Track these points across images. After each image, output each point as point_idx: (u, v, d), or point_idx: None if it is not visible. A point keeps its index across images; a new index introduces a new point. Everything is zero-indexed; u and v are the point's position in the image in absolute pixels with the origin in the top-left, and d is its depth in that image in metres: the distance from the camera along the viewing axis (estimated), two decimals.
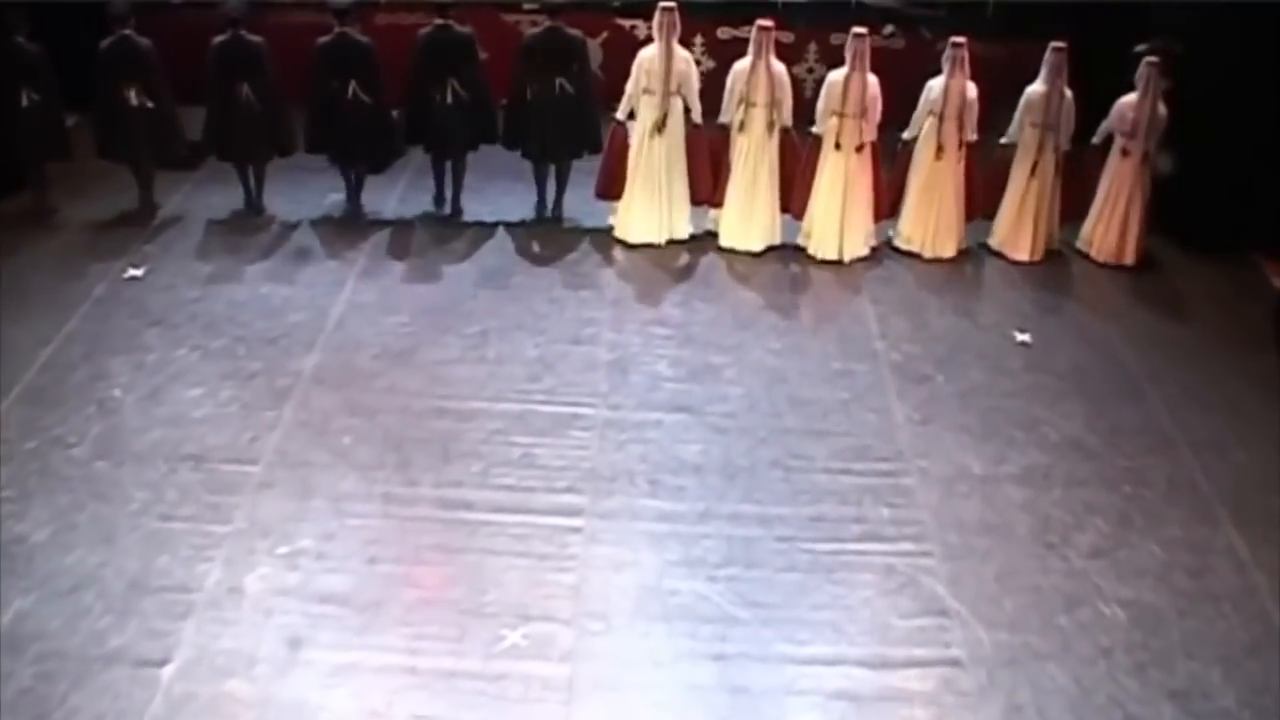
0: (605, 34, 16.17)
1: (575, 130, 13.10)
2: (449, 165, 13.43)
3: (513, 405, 10.32)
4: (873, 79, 12.65)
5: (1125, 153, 12.95)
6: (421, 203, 13.72)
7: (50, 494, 9.29)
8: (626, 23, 16.25)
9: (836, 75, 12.79)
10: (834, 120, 12.68)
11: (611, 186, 13.00)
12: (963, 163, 12.90)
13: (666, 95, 12.60)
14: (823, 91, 12.89)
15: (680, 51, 12.69)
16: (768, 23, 12.75)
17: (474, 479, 9.47)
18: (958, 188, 12.93)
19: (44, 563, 8.61)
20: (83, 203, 13.37)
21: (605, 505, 9.24)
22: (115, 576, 8.50)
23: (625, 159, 12.84)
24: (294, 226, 13.28)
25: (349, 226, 13.28)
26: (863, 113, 12.60)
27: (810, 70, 16.00)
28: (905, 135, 13.00)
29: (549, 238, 13.13)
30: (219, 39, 12.79)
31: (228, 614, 8.20)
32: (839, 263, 12.79)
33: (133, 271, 12.25)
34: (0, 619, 8.04)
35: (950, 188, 12.89)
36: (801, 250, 12.99)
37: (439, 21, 12.84)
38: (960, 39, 12.79)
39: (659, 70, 12.54)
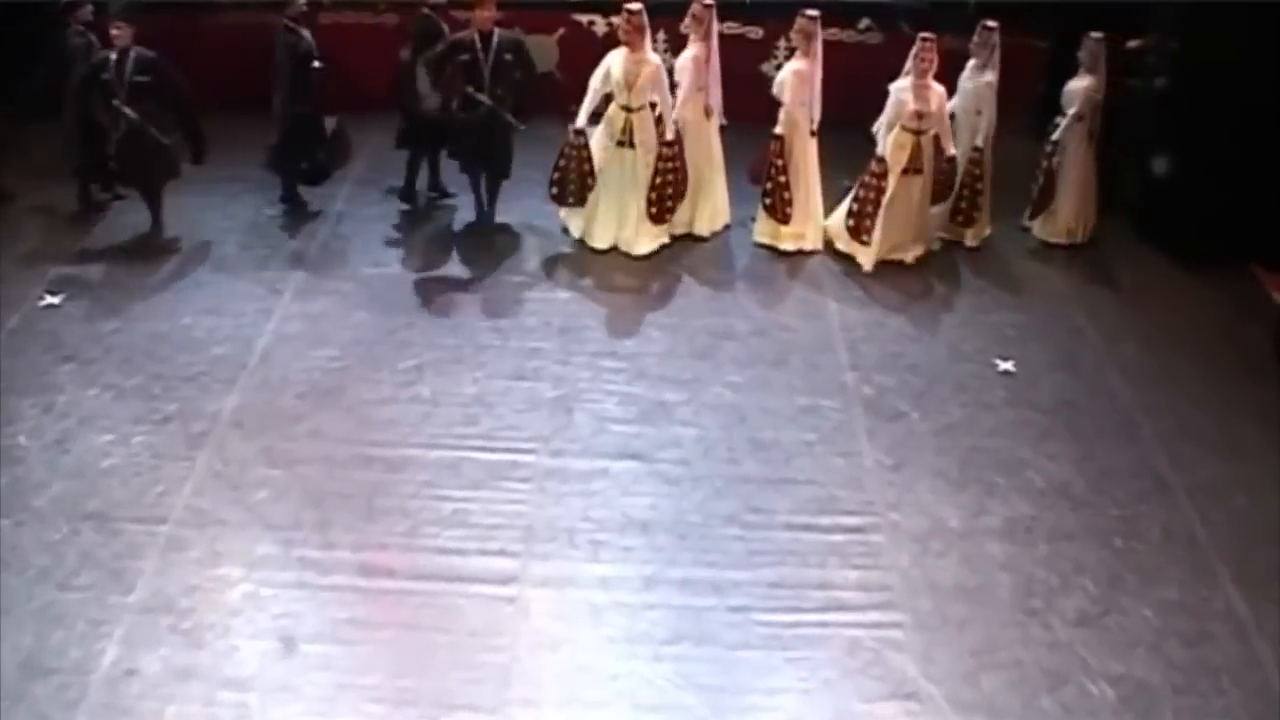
0: (562, 30, 15.30)
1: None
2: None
3: (446, 453, 9.50)
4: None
5: (1091, 135, 12.59)
6: (362, 217, 12.94)
7: None
8: (584, 18, 15.36)
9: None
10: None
11: (565, 194, 12.26)
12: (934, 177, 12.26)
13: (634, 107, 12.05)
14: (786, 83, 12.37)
15: (652, 57, 12.17)
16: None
17: (399, 540, 8.66)
18: (926, 197, 12.31)
19: None
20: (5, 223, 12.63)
21: (541, 570, 8.41)
22: (7, 654, 7.72)
23: (584, 166, 12.07)
24: (224, 246, 12.49)
25: (284, 244, 12.51)
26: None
27: (779, 66, 15.09)
28: (878, 151, 12.15)
29: (497, 252, 12.36)
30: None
31: (123, 700, 7.42)
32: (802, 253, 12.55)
33: (50, 299, 11.45)
34: None
35: (922, 200, 12.23)
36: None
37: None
38: (929, 35, 11.97)
39: (630, 78, 11.91)
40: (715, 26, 12.60)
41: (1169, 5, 13.17)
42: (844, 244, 12.34)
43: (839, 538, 8.70)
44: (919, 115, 11.81)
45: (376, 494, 9.05)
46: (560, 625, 7.98)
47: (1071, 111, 12.46)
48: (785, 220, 12.42)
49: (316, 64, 12.45)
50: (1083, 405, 10.32)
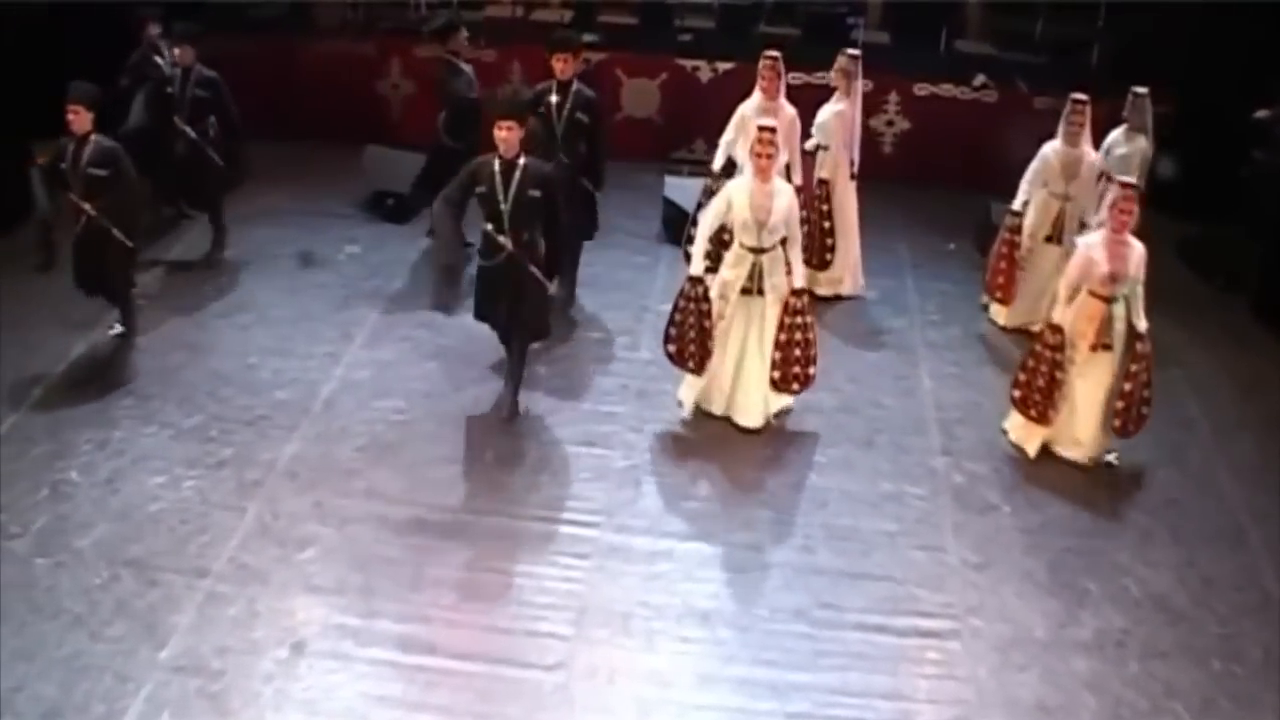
0: (664, 75, 14.93)
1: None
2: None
3: (503, 520, 9.04)
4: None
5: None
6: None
7: None
8: (688, 63, 14.98)
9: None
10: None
11: (685, 354, 10.07)
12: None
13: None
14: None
15: (782, 187, 9.87)
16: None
17: (443, 614, 8.19)
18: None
19: None
20: None
21: (590, 658, 7.89)
22: (28, 704, 7.43)
23: (704, 324, 9.88)
24: (300, 284, 12.23)
25: (361, 285, 12.18)
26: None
27: (890, 123, 14.63)
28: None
29: (577, 307, 11.84)
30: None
31: None
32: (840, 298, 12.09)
33: (118, 328, 11.25)
34: None
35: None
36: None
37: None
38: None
39: (759, 214, 9.62)
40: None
41: None
42: (1014, 430, 10.21)
43: (913, 642, 8.08)
44: (1113, 279, 9.55)
45: (426, 561, 8.61)
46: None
47: (1135, 181, 11.54)
48: (824, 266, 11.94)
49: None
50: (1188, 506, 9.60)
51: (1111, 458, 9.95)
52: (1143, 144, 11.64)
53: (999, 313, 11.80)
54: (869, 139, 14.43)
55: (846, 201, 12.06)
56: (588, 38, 14.83)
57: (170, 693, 7.49)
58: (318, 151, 14.54)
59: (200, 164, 12.17)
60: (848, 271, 12.21)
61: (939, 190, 14.13)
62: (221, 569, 8.49)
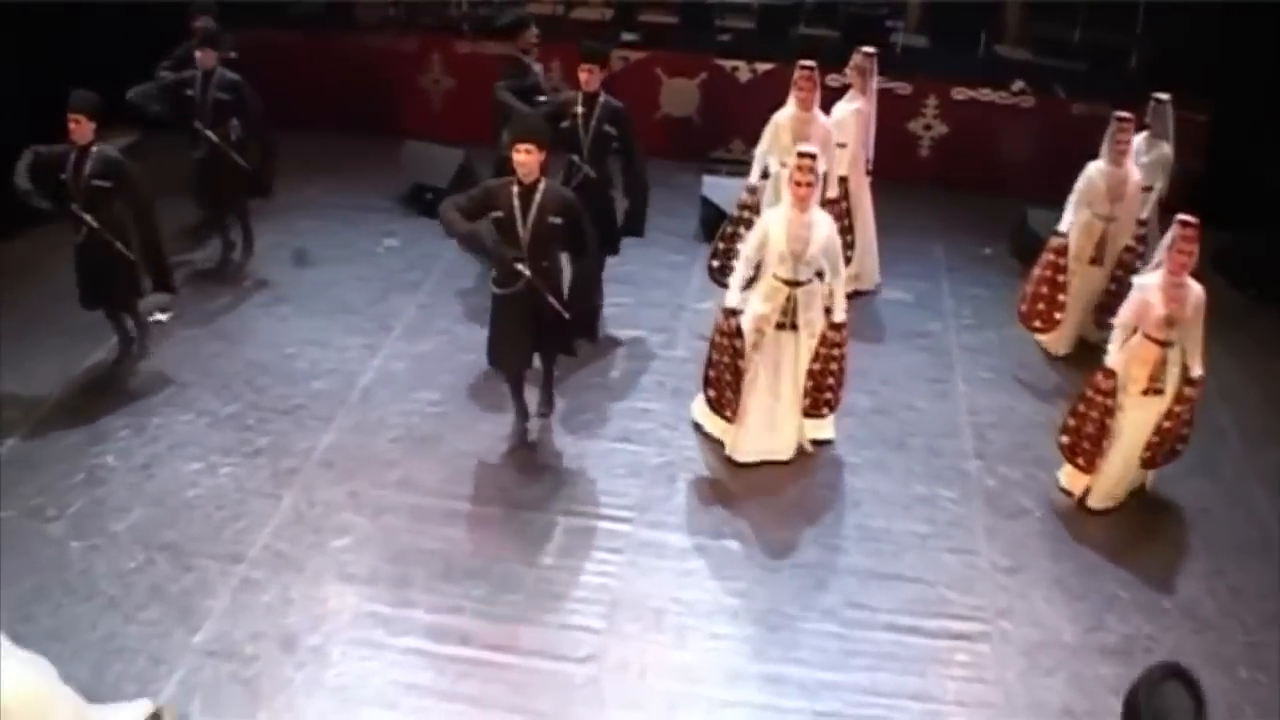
0: (704, 75, 14.98)
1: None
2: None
3: (537, 514, 9.08)
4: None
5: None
6: None
7: (14, 575, 8.32)
8: (728, 64, 14.97)
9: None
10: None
11: (723, 400, 9.57)
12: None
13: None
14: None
15: (819, 219, 9.29)
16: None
17: (476, 605, 8.23)
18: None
19: None
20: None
21: (622, 653, 7.93)
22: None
23: (738, 363, 9.40)
24: (338, 276, 12.29)
25: (399, 279, 12.24)
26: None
27: (927, 127, 14.61)
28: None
29: (614, 307, 11.78)
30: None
31: None
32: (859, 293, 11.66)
33: (159, 316, 11.31)
34: None
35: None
36: None
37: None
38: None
39: (796, 245, 9.17)
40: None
41: None
42: (1066, 477, 9.71)
43: (943, 643, 8.07)
44: (1169, 322, 9.01)
45: (459, 552, 8.66)
46: (635, 715, 7.50)
47: (1158, 187, 11.49)
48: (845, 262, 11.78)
49: (542, 99, 11.50)
50: (1219, 516, 9.55)
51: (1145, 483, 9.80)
52: (1165, 150, 11.53)
53: (1049, 341, 11.46)
54: (906, 142, 14.49)
55: (863, 198, 12.00)
56: (627, 36, 14.89)
57: (203, 676, 7.56)
58: (357, 145, 14.64)
59: (222, 168, 11.88)
60: (865, 267, 12.16)
61: (975, 195, 14.09)
62: (256, 555, 8.57)
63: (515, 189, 8.84)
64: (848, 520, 9.18)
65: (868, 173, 12.03)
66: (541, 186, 8.86)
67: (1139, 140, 11.47)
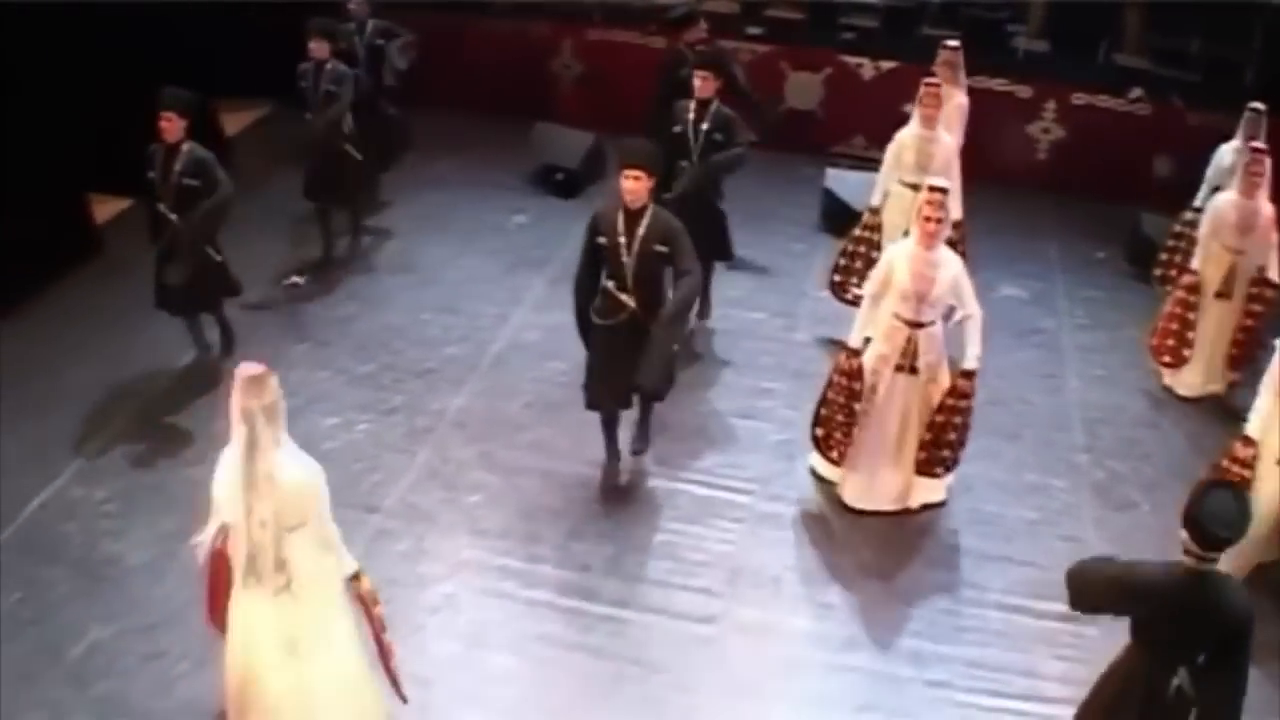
0: (828, 70, 15.20)
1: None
2: None
3: (662, 482, 9.41)
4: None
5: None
6: None
7: (156, 515, 8.75)
8: (853, 60, 15.20)
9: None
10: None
11: (831, 441, 9.19)
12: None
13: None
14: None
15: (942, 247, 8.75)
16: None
17: (602, 564, 8.58)
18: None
19: (132, 591, 8.10)
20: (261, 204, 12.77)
21: (742, 615, 8.24)
22: (200, 618, 7.69)
23: (854, 406, 8.95)
24: (470, 249, 12.67)
25: (529, 254, 12.60)
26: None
27: (1046, 131, 14.78)
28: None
29: (739, 287, 12.07)
30: None
31: None
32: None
33: (295, 279, 11.77)
34: (73, 648, 7.56)
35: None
36: None
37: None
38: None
39: (921, 285, 8.69)
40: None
41: None
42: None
43: (1050, 624, 8.26)
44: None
45: (587, 514, 8.99)
46: (753, 673, 7.80)
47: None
48: None
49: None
50: None
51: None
52: None
53: (1175, 381, 11.05)
54: (1024, 144, 14.67)
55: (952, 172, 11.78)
56: (752, 30, 15.14)
57: None
58: (487, 124, 14.98)
59: (337, 156, 11.83)
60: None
61: (1090, 198, 14.24)
62: (391, 506, 8.94)
63: (621, 215, 8.57)
64: (961, 503, 9.41)
65: None
66: (648, 213, 8.58)
67: (1227, 147, 11.50)
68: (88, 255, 11.88)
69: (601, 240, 8.62)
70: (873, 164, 11.94)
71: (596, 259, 8.74)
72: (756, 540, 8.91)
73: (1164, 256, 11.69)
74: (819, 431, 9.08)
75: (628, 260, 8.57)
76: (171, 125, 9.66)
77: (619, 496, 9.17)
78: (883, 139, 11.61)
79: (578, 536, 8.80)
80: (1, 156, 11.06)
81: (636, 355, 8.60)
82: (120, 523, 8.70)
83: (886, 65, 14.88)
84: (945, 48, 11.83)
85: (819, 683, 7.77)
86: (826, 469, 9.38)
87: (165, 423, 9.89)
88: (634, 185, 8.45)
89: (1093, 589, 6.37)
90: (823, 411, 9.02)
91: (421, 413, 9.94)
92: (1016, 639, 8.20)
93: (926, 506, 9.30)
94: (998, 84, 14.45)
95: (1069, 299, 12.63)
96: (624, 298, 8.66)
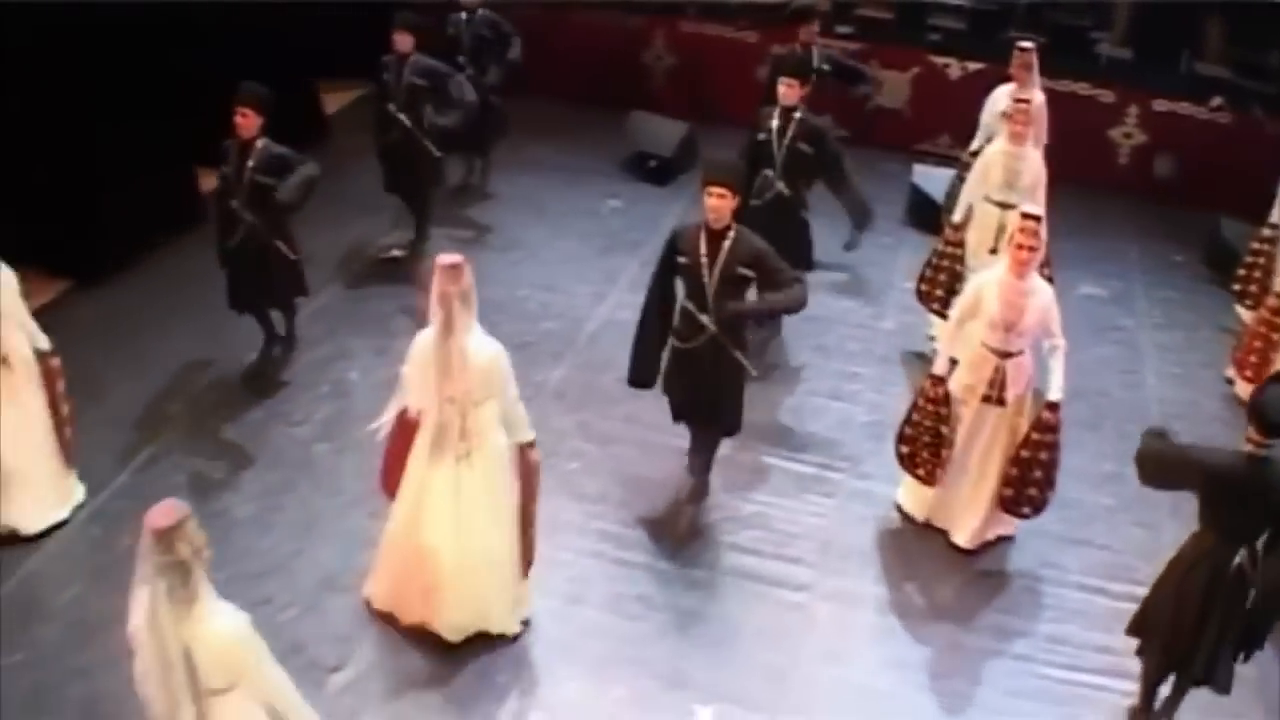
0: (916, 69, 15.51)
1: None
2: None
3: (755, 456, 9.75)
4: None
5: None
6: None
7: (263, 470, 9.25)
8: (940, 60, 15.50)
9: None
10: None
11: (916, 460, 9.04)
12: None
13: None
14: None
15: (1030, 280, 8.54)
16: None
17: (697, 531, 8.97)
18: None
19: (239, 541, 8.49)
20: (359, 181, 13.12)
21: (832, 585, 8.61)
22: (308, 568, 8.34)
23: (941, 430, 8.85)
24: (567, 231, 13.09)
25: (624, 236, 12.98)
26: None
27: (1127, 135, 15.00)
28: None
29: (828, 275, 12.19)
30: None
31: None
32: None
33: (395, 252, 12.13)
34: None
35: None
36: None
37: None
38: None
39: (1011, 314, 8.53)
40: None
41: None
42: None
43: (1126, 605, 8.33)
44: None
45: (683, 485, 9.27)
46: (843, 640, 8.16)
47: None
48: None
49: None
50: None
51: None
52: None
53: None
54: (1106, 148, 14.88)
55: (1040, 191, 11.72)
56: (842, 29, 15.41)
57: None
58: (580, 112, 15.40)
59: (412, 153, 11.85)
60: None
61: (1169, 203, 14.46)
62: None
63: (704, 234, 8.29)
64: None
65: None
66: (732, 234, 8.27)
67: None
68: (192, 222, 12.34)
69: (682, 259, 8.37)
70: (957, 162, 12.30)
71: (671, 276, 8.58)
72: (846, 515, 9.25)
73: (1242, 272, 11.62)
74: (904, 449, 8.95)
75: (708, 281, 8.28)
76: (247, 121, 9.59)
77: (713, 468, 9.41)
78: (967, 139, 12.02)
79: (672, 504, 9.15)
80: (122, 133, 11.55)
81: (717, 384, 8.58)
82: (228, 477, 9.16)
83: (974, 66, 15.11)
84: (1021, 49, 11.69)
85: (904, 650, 8.13)
86: (912, 504, 9.27)
87: (275, 381, 10.37)
88: (718, 204, 8.15)
89: (1163, 459, 7.19)
90: (907, 430, 8.91)
91: (522, 383, 10.07)
92: (1094, 618, 8.51)
93: (1000, 539, 9.18)
94: (1081, 88, 14.68)
95: (1148, 299, 12.87)
96: (703, 319, 8.38)
